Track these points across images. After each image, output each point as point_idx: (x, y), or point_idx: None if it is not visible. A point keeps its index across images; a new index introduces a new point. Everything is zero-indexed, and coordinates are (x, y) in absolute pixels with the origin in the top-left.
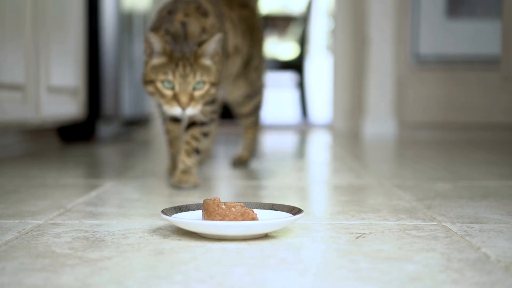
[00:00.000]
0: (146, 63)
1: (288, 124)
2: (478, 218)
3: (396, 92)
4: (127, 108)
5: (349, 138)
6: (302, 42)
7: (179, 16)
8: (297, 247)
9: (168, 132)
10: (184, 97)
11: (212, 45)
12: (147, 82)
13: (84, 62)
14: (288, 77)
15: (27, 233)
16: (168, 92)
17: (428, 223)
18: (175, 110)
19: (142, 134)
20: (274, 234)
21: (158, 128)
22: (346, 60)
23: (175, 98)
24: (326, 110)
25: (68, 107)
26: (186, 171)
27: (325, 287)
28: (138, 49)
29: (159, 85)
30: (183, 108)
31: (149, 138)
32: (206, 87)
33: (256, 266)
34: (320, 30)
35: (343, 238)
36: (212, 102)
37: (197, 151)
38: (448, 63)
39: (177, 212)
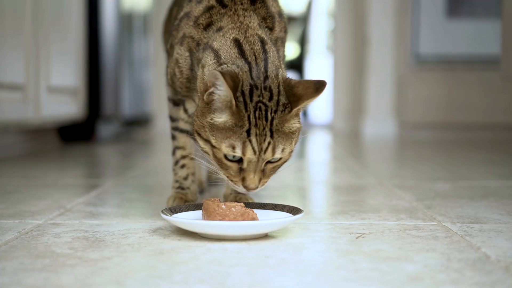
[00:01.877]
0: (202, 108)
1: None
2: (478, 218)
3: (396, 92)
4: (127, 108)
5: (349, 138)
6: (302, 42)
7: (243, 32)
8: (297, 247)
9: (178, 141)
10: (253, 179)
11: (307, 104)
12: (200, 136)
13: (84, 62)
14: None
15: (27, 233)
16: (232, 165)
17: (428, 223)
18: (237, 188)
19: (142, 134)
20: (274, 234)
21: (158, 128)
22: (346, 60)
23: (241, 175)
24: (326, 110)
25: (68, 107)
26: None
27: (325, 287)
28: (138, 49)
29: (219, 155)
30: (249, 191)
31: (149, 138)
32: (286, 157)
33: (256, 266)
34: (320, 30)
35: (343, 238)
36: None
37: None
38: (448, 63)
39: (177, 212)
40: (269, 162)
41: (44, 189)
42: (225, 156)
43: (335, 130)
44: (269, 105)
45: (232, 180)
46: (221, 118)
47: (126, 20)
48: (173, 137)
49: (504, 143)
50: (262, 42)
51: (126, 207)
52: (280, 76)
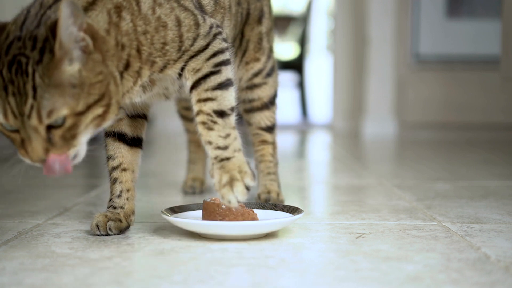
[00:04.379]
0: None
1: (288, 124)
2: (478, 218)
3: (396, 92)
4: None
5: (349, 138)
6: (302, 42)
7: None
8: (297, 247)
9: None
10: (33, 150)
11: (67, 28)
12: None
13: None
14: (288, 77)
15: (27, 233)
16: (13, 136)
17: (428, 223)
18: (32, 164)
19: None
20: (274, 234)
21: (158, 128)
22: (346, 60)
23: (24, 146)
24: (326, 110)
25: None
26: (223, 159)
27: (325, 287)
28: None
29: None
30: (41, 164)
31: (150, 138)
32: (72, 120)
33: (256, 266)
34: (320, 30)
35: (343, 238)
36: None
37: (221, 113)
38: (448, 63)
39: (177, 212)
40: (53, 127)
41: (44, 189)
42: (1, 125)
43: (335, 130)
44: (32, 55)
45: (21, 155)
46: None
47: None
48: (105, 145)
49: (503, 143)
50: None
51: None
52: (54, 18)
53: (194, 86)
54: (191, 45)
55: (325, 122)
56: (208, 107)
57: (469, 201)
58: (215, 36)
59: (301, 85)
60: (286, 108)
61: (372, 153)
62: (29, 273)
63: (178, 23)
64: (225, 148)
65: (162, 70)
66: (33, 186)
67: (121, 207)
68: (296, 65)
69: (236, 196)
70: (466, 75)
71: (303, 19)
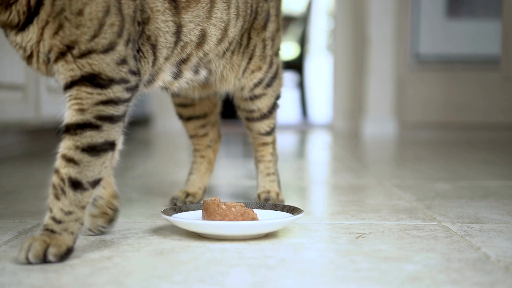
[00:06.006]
0: None
1: (288, 124)
2: (478, 218)
3: (396, 92)
4: None
5: (349, 138)
6: (302, 42)
7: None
8: (297, 247)
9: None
10: None
11: None
12: None
13: None
14: (288, 77)
15: (27, 233)
16: None
17: (428, 223)
18: None
19: (142, 134)
20: (274, 234)
21: (158, 128)
22: (346, 60)
23: None
24: (326, 110)
25: None
26: (49, 230)
27: (325, 287)
28: None
29: None
30: None
31: (149, 138)
32: None
33: (256, 266)
34: (320, 30)
35: (343, 238)
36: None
37: (77, 185)
38: (448, 63)
39: (177, 212)
40: None
41: (44, 189)
42: None
43: (335, 130)
44: None
45: None
46: None
47: None
48: None
49: (503, 143)
50: None
51: (126, 207)
52: None
53: (69, 129)
54: (102, 50)
55: (325, 122)
56: (66, 171)
57: (469, 201)
58: (121, 80)
59: (301, 85)
60: (286, 108)
61: (372, 153)
62: (29, 273)
63: (107, 11)
64: (59, 222)
65: (59, 57)
66: (33, 186)
67: (101, 197)
68: (296, 65)
69: (28, 254)
70: (466, 75)
71: (303, 19)
